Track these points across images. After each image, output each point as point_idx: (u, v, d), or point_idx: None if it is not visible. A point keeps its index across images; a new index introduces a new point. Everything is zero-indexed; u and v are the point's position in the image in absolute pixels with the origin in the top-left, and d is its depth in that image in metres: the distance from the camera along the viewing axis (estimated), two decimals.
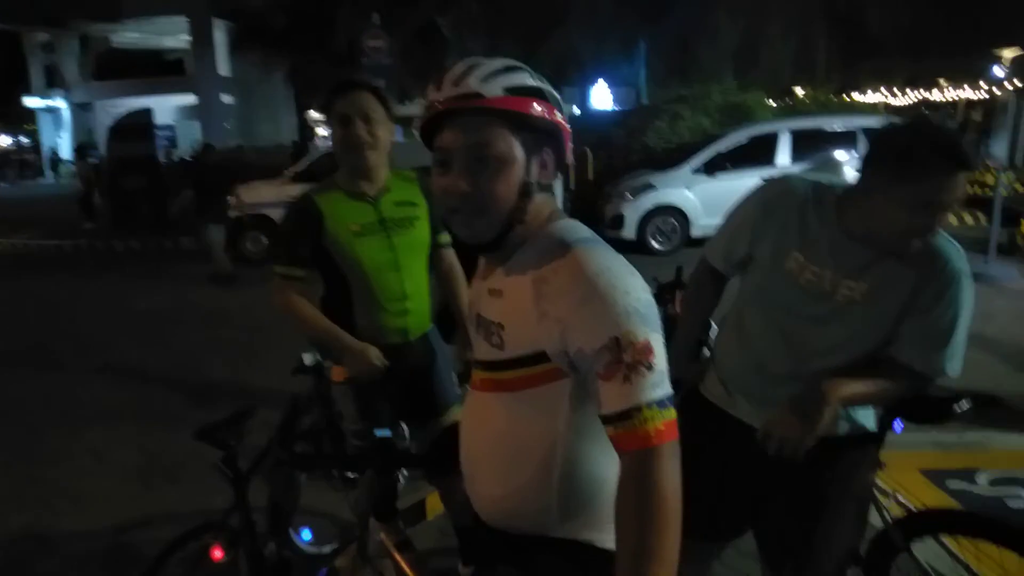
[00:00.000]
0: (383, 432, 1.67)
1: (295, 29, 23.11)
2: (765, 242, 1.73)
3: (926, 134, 1.49)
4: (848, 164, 8.82)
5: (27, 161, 27.60)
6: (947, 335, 1.58)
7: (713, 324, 2.52)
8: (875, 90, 32.78)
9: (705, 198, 9.54)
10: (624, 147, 12.31)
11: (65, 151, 31.14)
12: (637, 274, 1.10)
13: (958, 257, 1.58)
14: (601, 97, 22.68)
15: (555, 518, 1.19)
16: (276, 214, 9.93)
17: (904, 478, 3.28)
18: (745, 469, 1.77)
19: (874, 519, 1.95)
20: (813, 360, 1.67)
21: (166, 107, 30.85)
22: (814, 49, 20.12)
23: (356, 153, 2.10)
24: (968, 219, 10.66)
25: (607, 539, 1.14)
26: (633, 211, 9.69)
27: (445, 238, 2.33)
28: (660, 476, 0.98)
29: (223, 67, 29.31)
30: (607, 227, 9.81)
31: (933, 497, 3.25)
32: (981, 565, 2.05)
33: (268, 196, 9.85)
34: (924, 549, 1.93)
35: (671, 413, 1.02)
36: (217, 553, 2.05)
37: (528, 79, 1.13)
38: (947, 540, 1.91)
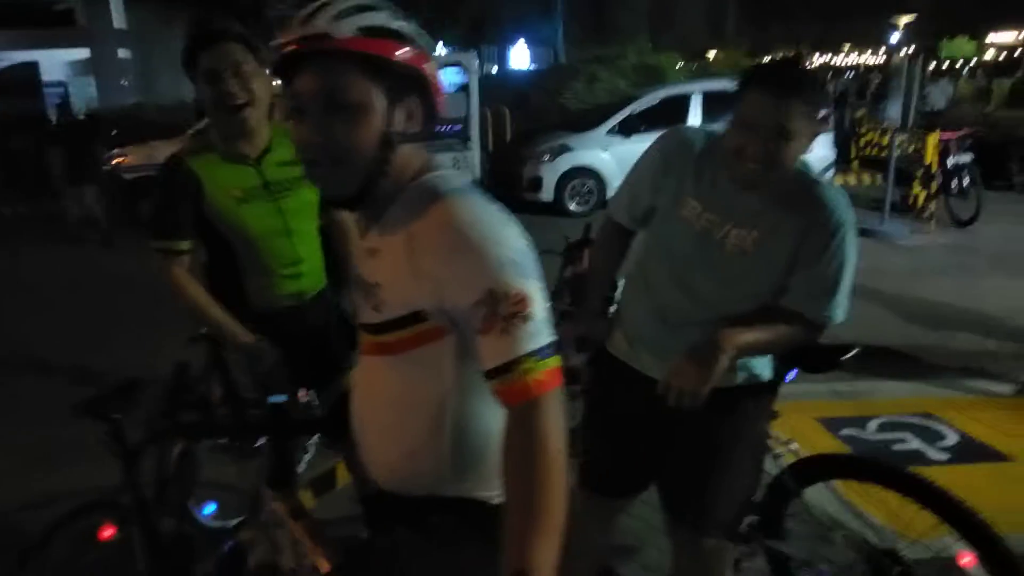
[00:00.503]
0: (278, 398, 1.61)
1: None
2: (665, 192, 1.75)
3: (768, 65, 1.55)
4: None
5: None
6: (834, 283, 1.63)
7: (620, 282, 2.54)
8: (785, 53, 33.82)
9: (620, 159, 9.59)
10: (542, 108, 12.28)
11: None
12: (512, 223, 1.06)
13: (843, 208, 1.62)
14: (520, 56, 22.54)
15: (448, 478, 1.17)
16: None
17: (801, 426, 3.45)
18: (648, 422, 1.81)
19: (769, 467, 2.02)
20: (710, 309, 1.70)
21: (57, 62, 28.66)
22: (725, 11, 20.51)
23: (231, 113, 1.91)
24: (866, 178, 11.20)
25: (500, 496, 1.12)
26: (551, 173, 9.70)
27: None
28: (543, 427, 0.96)
29: (118, 19, 27.41)
30: (525, 189, 9.80)
31: (828, 444, 3.44)
32: (868, 507, 2.17)
33: (163, 156, 9.31)
34: (815, 494, 2.02)
35: (553, 362, 0.99)
36: (107, 531, 1.95)
37: (388, 20, 1.05)
38: (837, 485, 1.99)
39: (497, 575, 0.95)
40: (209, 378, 2.49)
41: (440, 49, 22.42)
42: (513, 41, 22.16)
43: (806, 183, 1.65)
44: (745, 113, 1.54)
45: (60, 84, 29.14)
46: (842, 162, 11.09)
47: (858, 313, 5.61)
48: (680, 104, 9.76)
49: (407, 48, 1.04)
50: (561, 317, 3.03)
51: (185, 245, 2.00)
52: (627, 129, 9.69)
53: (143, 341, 4.89)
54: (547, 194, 9.71)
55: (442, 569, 1.17)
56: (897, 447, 3.46)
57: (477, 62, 9.98)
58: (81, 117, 14.54)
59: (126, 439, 1.94)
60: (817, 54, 34.64)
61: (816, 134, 1.58)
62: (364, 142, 1.04)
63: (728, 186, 1.65)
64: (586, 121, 10.41)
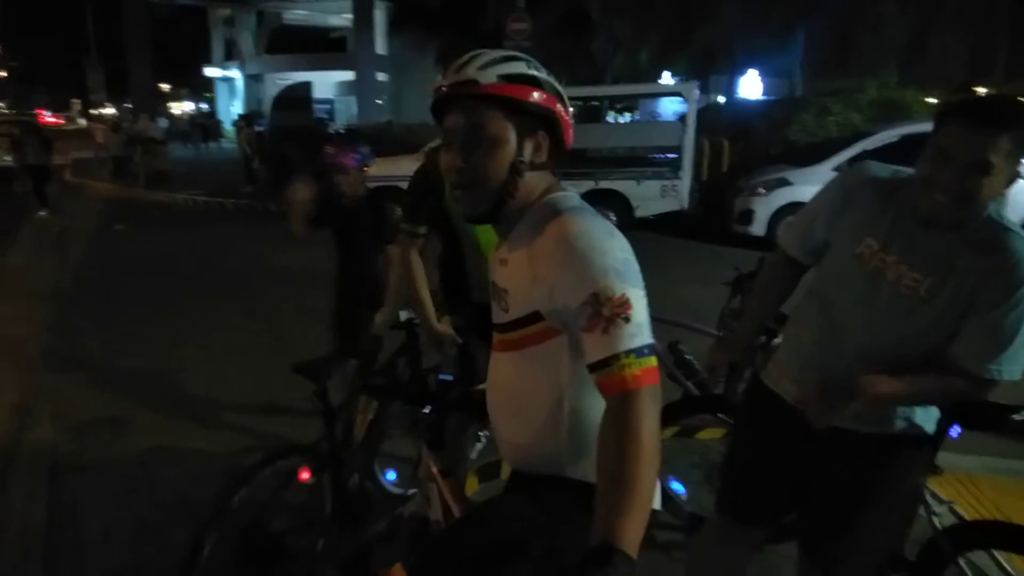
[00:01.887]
0: (446, 376, 1.86)
1: (449, 10, 23.93)
2: (841, 227, 1.72)
3: (977, 97, 1.47)
4: None
5: (208, 127, 30.39)
6: (1008, 337, 1.52)
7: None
8: None
9: None
10: (766, 140, 11.84)
11: (230, 119, 33.99)
12: (617, 235, 1.20)
13: None
14: (750, 87, 21.82)
15: (567, 460, 1.32)
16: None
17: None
18: (796, 455, 1.79)
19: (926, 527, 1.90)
20: (872, 351, 1.65)
21: (327, 82, 32.98)
22: (994, 45, 18.22)
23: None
24: None
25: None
26: (764, 207, 9.31)
27: None
28: (636, 416, 1.06)
29: (380, 46, 30.84)
30: (736, 222, 9.51)
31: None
32: None
33: (399, 169, 10.38)
34: (977, 563, 1.86)
35: (649, 361, 1.11)
36: (304, 475, 2.32)
37: (524, 68, 1.25)
38: (1000, 556, 1.82)
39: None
40: (399, 359, 2.86)
41: (668, 79, 22.47)
42: (744, 71, 21.50)
43: (996, 228, 1.55)
44: (943, 142, 1.48)
45: (328, 102, 33.56)
46: None
47: None
48: (922, 143, 8.91)
49: (540, 92, 1.25)
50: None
51: (422, 230, 2.45)
52: None
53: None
54: (759, 228, 9.33)
55: (542, 533, 1.30)
56: None
57: (697, 92, 9.91)
58: (341, 131, 16.59)
59: (329, 399, 2.31)
60: None
61: (1017, 176, 1.50)
62: (497, 169, 1.26)
63: (911, 227, 1.59)
64: (812, 156, 9.87)
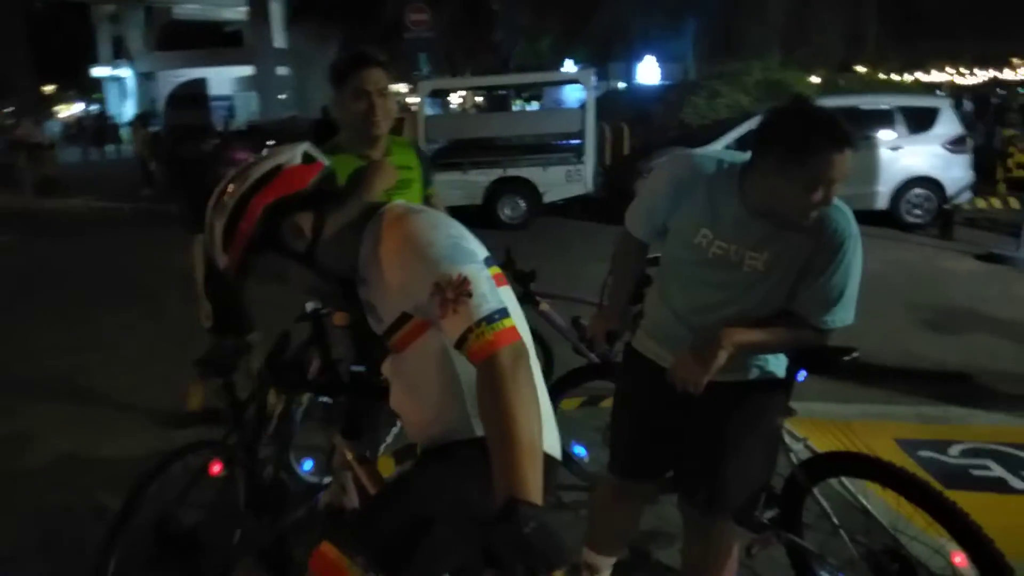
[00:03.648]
0: (358, 368, 1.97)
1: (347, 1, 23.51)
2: (677, 216, 1.90)
3: (809, 117, 1.66)
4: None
5: (100, 129, 28.71)
6: (839, 294, 1.78)
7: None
8: (940, 69, 31.62)
9: None
10: (663, 123, 12.34)
11: (125, 120, 32.37)
12: (441, 224, 1.35)
13: (846, 224, 1.76)
14: (648, 72, 22.52)
15: (474, 423, 1.42)
16: None
17: (876, 444, 3.42)
18: (667, 411, 2.00)
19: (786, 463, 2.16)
20: (725, 317, 1.87)
21: (225, 78, 31.81)
22: (866, 26, 19.50)
23: (371, 124, 2.27)
24: (1012, 202, 10.38)
25: None
26: None
27: (432, 190, 2.65)
28: (502, 374, 1.17)
29: (279, 39, 29.97)
30: None
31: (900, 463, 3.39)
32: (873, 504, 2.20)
33: None
34: (831, 490, 2.13)
35: (501, 324, 1.22)
36: (216, 467, 2.37)
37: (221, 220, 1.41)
38: (847, 482, 2.09)
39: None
40: (307, 350, 2.93)
41: (570, 66, 22.89)
42: (641, 57, 22.16)
43: None
44: (820, 172, 1.61)
45: (227, 98, 32.38)
46: (986, 183, 10.35)
47: (978, 339, 5.25)
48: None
49: (245, 214, 1.39)
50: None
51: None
52: (745, 145, 9.52)
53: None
54: None
55: (454, 483, 1.41)
56: (976, 472, 3.37)
57: (595, 79, 10.22)
58: (243, 128, 16.12)
59: (235, 392, 2.37)
60: (977, 68, 32.08)
61: None
62: (303, 281, 1.49)
63: (738, 214, 1.80)
64: (703, 137, 10.37)
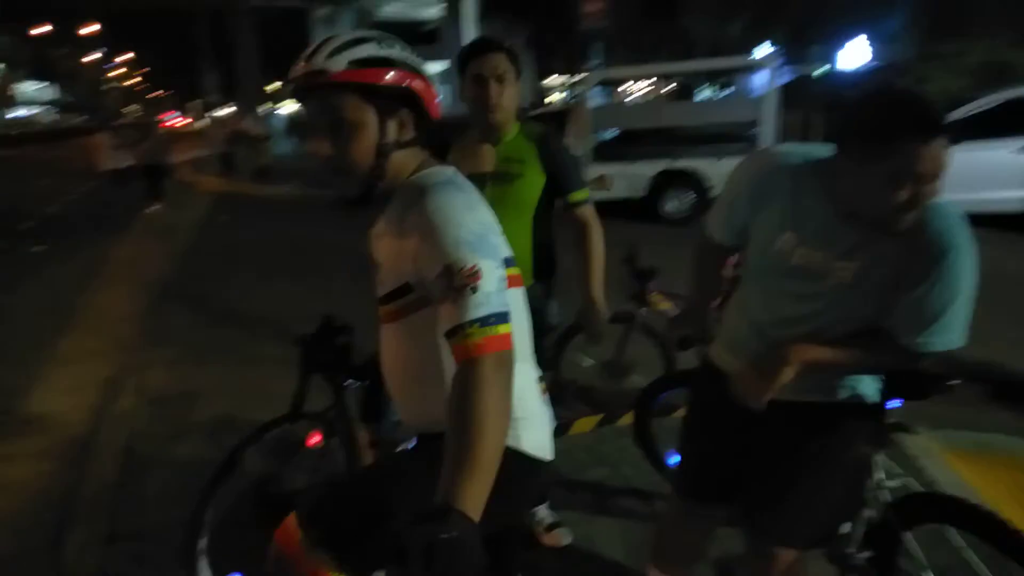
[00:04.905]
0: None
1: None
2: (758, 222, 1.69)
3: (890, 104, 1.39)
4: None
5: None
6: (935, 313, 1.49)
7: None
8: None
9: None
10: None
11: None
12: (477, 209, 1.25)
13: (949, 230, 1.46)
14: (855, 55, 20.59)
15: None
16: None
17: None
18: (741, 431, 1.79)
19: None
20: (810, 337, 1.63)
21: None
22: None
23: (488, 110, 2.23)
24: None
25: None
26: None
27: (577, 195, 2.39)
28: (478, 383, 1.11)
29: (470, 35, 31.18)
30: None
31: None
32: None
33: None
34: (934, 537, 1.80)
35: (495, 330, 1.15)
36: (315, 439, 2.49)
37: (374, 49, 1.29)
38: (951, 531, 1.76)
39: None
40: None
41: (768, 49, 21.54)
42: (848, 39, 20.30)
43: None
44: (902, 166, 1.36)
45: None
46: None
47: None
48: None
49: (393, 71, 1.29)
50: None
51: None
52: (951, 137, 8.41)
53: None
54: None
55: (425, 482, 1.32)
56: None
57: (779, 64, 9.50)
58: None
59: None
60: None
61: None
62: (363, 154, 1.32)
63: (825, 218, 1.56)
64: None
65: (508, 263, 1.32)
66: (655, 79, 24.26)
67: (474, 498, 1.05)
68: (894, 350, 1.55)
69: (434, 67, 32.21)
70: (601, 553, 2.57)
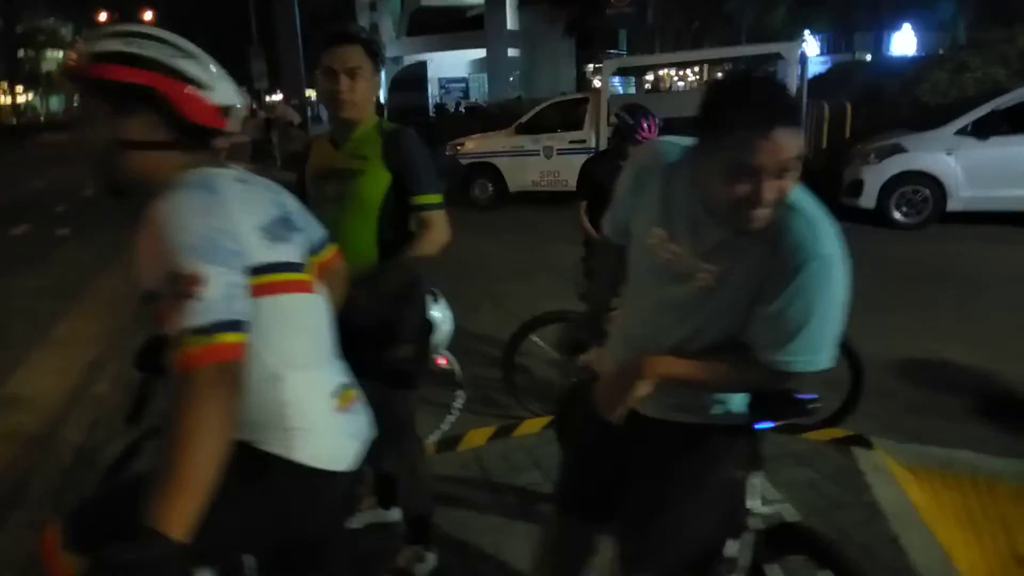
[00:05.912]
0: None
1: None
2: (635, 215, 1.61)
3: (729, 90, 1.31)
4: None
5: None
6: (794, 329, 1.38)
7: None
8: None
9: (971, 165, 8.03)
10: (894, 101, 10.75)
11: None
12: (213, 212, 1.20)
13: (812, 237, 1.35)
14: (902, 43, 19.80)
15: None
16: (501, 162, 10.59)
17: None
18: (614, 447, 1.72)
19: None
20: (672, 343, 1.54)
21: (462, 61, 33.76)
22: None
23: (336, 106, 2.15)
24: None
25: (264, 440, 1.30)
26: (875, 177, 8.49)
27: (422, 199, 2.19)
28: (188, 397, 1.07)
29: (511, 21, 31.01)
30: (844, 193, 8.76)
31: None
32: None
33: (492, 146, 10.52)
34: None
35: (218, 339, 1.09)
36: None
37: (119, 45, 1.27)
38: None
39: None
40: None
41: (808, 37, 20.87)
42: (896, 26, 19.50)
43: (780, 208, 1.41)
44: (739, 158, 1.27)
45: (462, 80, 34.35)
46: None
47: None
48: None
49: (133, 69, 1.26)
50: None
51: None
52: (984, 129, 8.02)
53: None
54: (867, 200, 8.55)
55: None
56: None
57: (800, 52, 9.15)
58: (461, 110, 16.92)
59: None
60: None
61: None
62: (93, 147, 1.32)
63: (693, 212, 1.46)
64: (938, 117, 8.84)
65: (279, 268, 1.30)
66: (701, 68, 23.77)
67: (179, 517, 1.02)
68: (757, 368, 1.44)
69: (476, 55, 32.21)
70: (509, 562, 2.50)
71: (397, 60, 34.82)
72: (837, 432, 3.30)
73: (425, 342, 2.39)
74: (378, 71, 2.22)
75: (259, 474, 1.29)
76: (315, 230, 1.59)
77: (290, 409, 1.31)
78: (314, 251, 1.56)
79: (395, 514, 2.67)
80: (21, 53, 46.76)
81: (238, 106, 1.40)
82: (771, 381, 1.47)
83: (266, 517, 1.32)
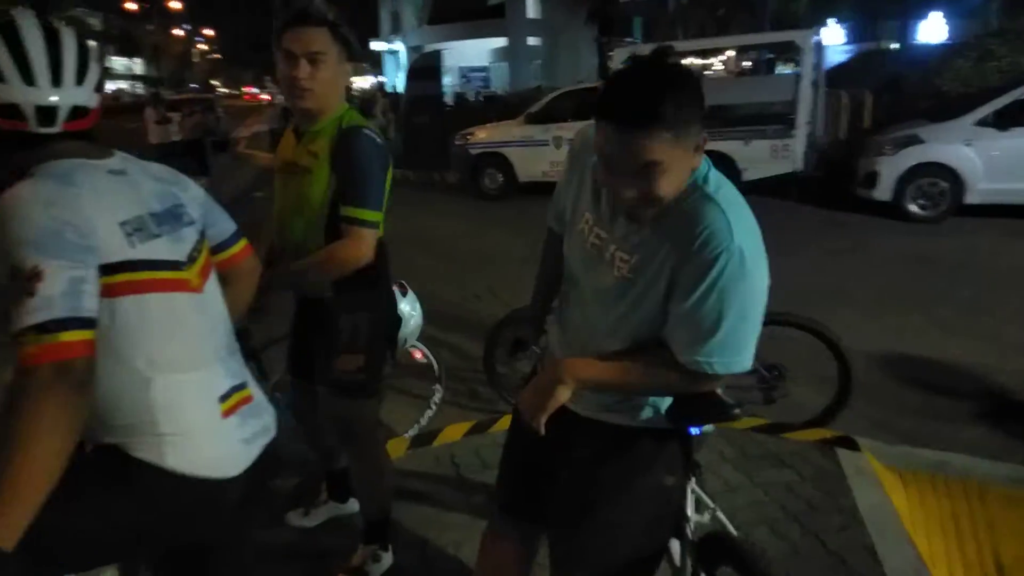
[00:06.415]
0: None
1: None
2: (569, 199, 1.56)
3: (616, 78, 1.26)
4: None
5: (366, 100, 31.91)
6: (710, 326, 1.30)
7: None
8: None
9: (990, 157, 7.76)
10: (915, 91, 10.46)
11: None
12: (59, 205, 1.14)
13: (728, 230, 1.26)
14: (932, 31, 19.26)
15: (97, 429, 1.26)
16: (511, 152, 10.49)
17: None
18: (546, 447, 1.64)
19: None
20: (599, 339, 1.48)
21: (483, 50, 33.56)
22: None
23: (292, 94, 1.99)
24: None
25: (134, 445, 1.24)
26: (890, 168, 8.24)
27: (349, 211, 2.00)
28: (23, 396, 1.02)
29: (533, 10, 30.76)
30: (859, 185, 8.54)
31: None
32: None
33: (502, 135, 10.42)
34: None
35: (54, 338, 1.05)
36: None
37: None
38: None
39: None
40: None
41: (834, 26, 20.41)
42: (923, 14, 18.99)
43: (693, 197, 1.33)
44: (601, 147, 1.27)
45: (483, 69, 34.18)
46: None
47: None
48: None
49: None
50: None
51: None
52: (1005, 120, 7.74)
53: None
54: (883, 193, 8.31)
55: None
56: None
57: (816, 40, 8.91)
58: (480, 99, 16.77)
59: None
60: None
61: (700, 149, 1.27)
62: None
63: (612, 199, 1.41)
64: (959, 107, 8.57)
65: (145, 266, 1.24)
66: (729, 57, 23.41)
67: (9, 524, 0.98)
68: (677, 370, 1.37)
69: (496, 43, 31.99)
70: (468, 561, 2.45)
71: (418, 49, 34.83)
72: (823, 432, 3.19)
73: (381, 350, 2.28)
74: (347, 59, 2.05)
75: (127, 480, 1.24)
76: (222, 224, 1.53)
77: (161, 414, 1.25)
78: (221, 247, 1.51)
79: (352, 505, 2.63)
80: None
81: (55, 105, 1.24)
82: (692, 383, 1.39)
83: (135, 525, 1.26)
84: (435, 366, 3.35)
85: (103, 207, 1.22)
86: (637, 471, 1.54)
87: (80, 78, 1.26)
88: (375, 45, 37.83)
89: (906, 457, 3.13)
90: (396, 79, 37.21)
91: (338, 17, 2.03)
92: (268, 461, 1.41)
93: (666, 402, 1.51)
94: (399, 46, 36.46)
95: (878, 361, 4.12)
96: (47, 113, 1.23)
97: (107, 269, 1.18)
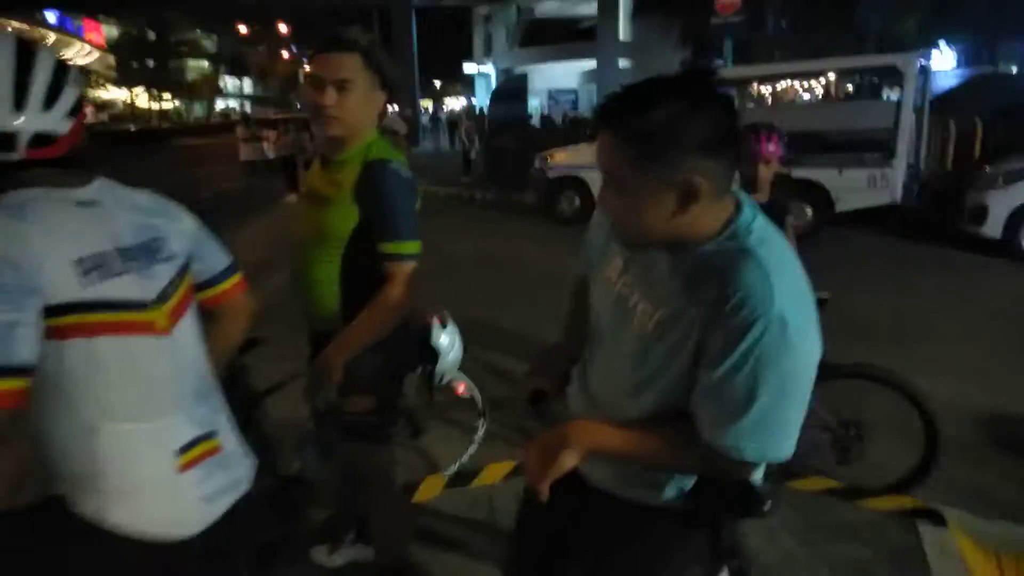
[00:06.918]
0: None
1: None
2: (597, 243, 1.44)
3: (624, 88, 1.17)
4: None
5: (453, 121, 32.45)
6: (741, 403, 1.10)
7: None
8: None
9: None
10: None
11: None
12: (17, 236, 1.07)
13: (768, 293, 1.07)
14: None
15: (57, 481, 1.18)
16: (589, 176, 10.30)
17: None
18: (564, 516, 1.47)
19: None
20: (622, 400, 1.30)
21: (573, 72, 33.60)
22: None
23: (318, 121, 1.92)
24: None
25: (76, 500, 1.16)
26: (1001, 203, 7.57)
27: (386, 247, 1.90)
28: None
29: (624, 32, 30.55)
30: (967, 220, 7.89)
31: None
32: None
33: (582, 158, 10.24)
34: None
35: None
36: None
37: None
38: None
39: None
40: None
41: (945, 48, 19.25)
42: None
43: (728, 250, 1.13)
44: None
45: (572, 91, 34.19)
46: None
47: None
48: None
49: None
50: None
51: None
52: None
53: None
54: (992, 229, 7.64)
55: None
56: None
57: (919, 64, 8.32)
58: (567, 122, 16.66)
59: None
60: None
61: (693, 196, 1.11)
62: None
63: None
64: None
65: (99, 307, 1.15)
66: (830, 81, 22.60)
67: None
68: (699, 448, 1.17)
69: (586, 65, 31.92)
70: None
71: (508, 71, 35.23)
72: (903, 501, 2.84)
73: (393, 391, 2.16)
74: (381, 87, 1.96)
75: (62, 540, 1.15)
76: (213, 258, 1.44)
77: (107, 465, 1.16)
78: (210, 282, 1.42)
79: None
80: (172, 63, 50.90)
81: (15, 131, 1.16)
82: (715, 467, 1.19)
83: None
84: (478, 400, 3.21)
85: (55, 243, 1.14)
86: (658, 561, 1.34)
87: (49, 103, 1.18)
88: (467, 68, 38.47)
89: (1004, 535, 2.73)
90: (486, 101, 37.79)
91: (374, 43, 1.94)
92: (238, 518, 1.30)
93: (693, 480, 1.31)
94: (490, 68, 36.94)
95: (977, 420, 3.68)
96: (6, 139, 1.16)
97: (54, 311, 1.10)
